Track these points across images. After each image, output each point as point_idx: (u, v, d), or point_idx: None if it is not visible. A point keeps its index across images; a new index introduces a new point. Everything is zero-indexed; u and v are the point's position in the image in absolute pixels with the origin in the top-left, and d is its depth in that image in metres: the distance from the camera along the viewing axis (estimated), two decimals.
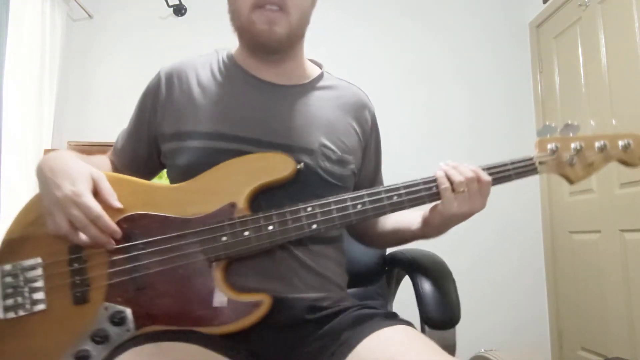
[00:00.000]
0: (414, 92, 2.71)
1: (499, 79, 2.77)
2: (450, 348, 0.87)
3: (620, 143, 0.87)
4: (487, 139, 2.68)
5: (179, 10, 2.63)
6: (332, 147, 0.87)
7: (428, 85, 2.72)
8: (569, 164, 0.87)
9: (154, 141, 0.91)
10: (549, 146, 0.88)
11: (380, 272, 1.22)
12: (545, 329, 2.61)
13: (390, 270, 1.21)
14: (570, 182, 0.89)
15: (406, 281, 1.02)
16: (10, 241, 0.77)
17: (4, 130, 1.94)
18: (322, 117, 0.89)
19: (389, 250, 1.20)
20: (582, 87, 2.35)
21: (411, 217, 0.91)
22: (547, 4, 2.63)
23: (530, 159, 0.87)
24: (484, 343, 2.16)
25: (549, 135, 0.89)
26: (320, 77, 0.96)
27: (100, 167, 0.90)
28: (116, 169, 0.97)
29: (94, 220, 0.71)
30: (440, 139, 2.66)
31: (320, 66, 0.99)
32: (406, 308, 1.08)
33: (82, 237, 0.72)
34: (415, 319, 0.89)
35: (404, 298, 1.16)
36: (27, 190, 2.01)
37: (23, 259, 0.74)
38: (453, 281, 0.93)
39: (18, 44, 2.03)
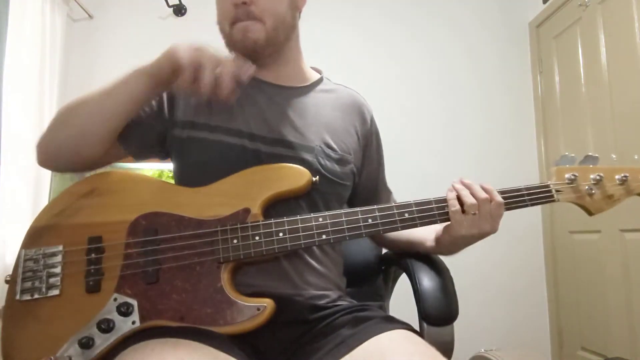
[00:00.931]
0: (413, 92, 2.71)
1: (499, 79, 2.77)
2: (448, 345, 0.87)
3: None
4: (486, 139, 2.68)
5: (179, 10, 2.64)
6: (333, 145, 0.90)
7: (427, 86, 2.73)
8: (588, 193, 0.86)
9: (167, 121, 0.91)
10: (567, 175, 0.87)
11: (376, 271, 1.23)
12: (545, 329, 2.61)
13: (387, 269, 1.22)
14: (590, 213, 0.87)
15: (404, 279, 1.03)
16: (37, 228, 0.80)
17: (4, 130, 1.95)
18: (322, 118, 0.92)
19: (385, 249, 1.20)
20: (582, 87, 2.35)
21: (426, 233, 0.93)
22: (547, 4, 2.63)
23: (547, 186, 0.87)
24: (484, 343, 2.16)
25: (567, 166, 0.88)
26: (319, 81, 1.00)
27: None
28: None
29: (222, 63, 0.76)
30: (440, 140, 2.66)
31: (320, 72, 1.03)
32: (404, 306, 1.08)
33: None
34: (414, 316, 0.90)
35: (402, 296, 1.16)
36: (26, 190, 2.01)
37: (46, 246, 0.78)
38: (450, 277, 0.94)
39: (18, 44, 2.03)
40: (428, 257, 0.99)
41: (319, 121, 0.91)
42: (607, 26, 2.18)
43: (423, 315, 0.89)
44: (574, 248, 2.42)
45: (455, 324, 0.90)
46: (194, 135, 0.87)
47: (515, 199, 0.84)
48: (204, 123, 0.87)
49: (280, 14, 0.89)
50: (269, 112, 0.89)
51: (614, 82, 2.12)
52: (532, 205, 0.85)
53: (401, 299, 1.21)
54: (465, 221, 0.80)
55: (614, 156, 0.93)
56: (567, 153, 0.90)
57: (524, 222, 2.66)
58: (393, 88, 2.68)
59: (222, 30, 0.91)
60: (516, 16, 2.84)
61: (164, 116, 0.91)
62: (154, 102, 0.91)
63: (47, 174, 2.14)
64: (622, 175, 0.86)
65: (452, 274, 0.96)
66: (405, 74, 2.72)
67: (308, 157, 0.86)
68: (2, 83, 1.95)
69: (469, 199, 0.80)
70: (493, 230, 0.81)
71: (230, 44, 0.90)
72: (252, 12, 0.86)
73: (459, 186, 0.82)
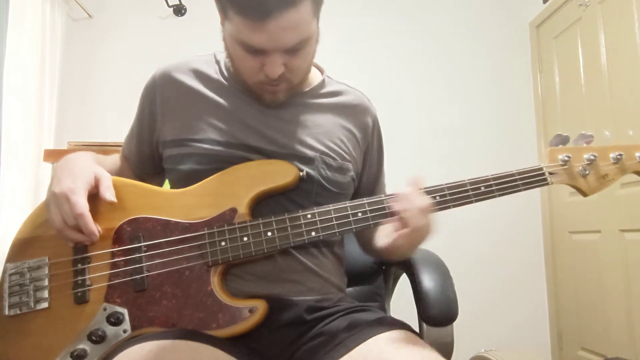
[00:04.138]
0: (413, 92, 2.71)
1: (499, 79, 2.77)
2: (448, 345, 0.87)
3: (637, 154, 0.84)
4: (487, 139, 2.68)
5: (179, 10, 2.64)
6: (332, 154, 0.87)
7: (427, 86, 2.72)
8: (582, 175, 0.84)
9: (155, 144, 0.93)
10: (560, 156, 0.84)
11: (377, 271, 1.22)
12: (545, 329, 2.61)
13: (388, 269, 1.22)
14: (584, 194, 0.85)
15: (404, 280, 1.02)
16: (20, 241, 0.79)
17: (4, 130, 1.95)
18: (322, 125, 0.89)
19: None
20: (582, 87, 2.35)
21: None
22: (547, 4, 2.63)
23: (540, 168, 0.84)
24: (484, 343, 2.16)
25: (560, 146, 0.86)
26: (321, 84, 0.95)
27: (109, 163, 0.94)
28: (128, 167, 1.00)
29: (75, 217, 0.73)
30: (439, 140, 2.66)
31: (322, 71, 0.98)
32: (404, 306, 1.08)
33: (72, 233, 0.74)
34: (414, 317, 0.89)
35: (402, 296, 1.16)
36: (26, 189, 2.01)
37: (31, 258, 0.77)
38: (450, 278, 0.93)
39: (18, 44, 2.04)
40: (428, 258, 0.98)
41: (319, 129, 0.88)
42: (607, 26, 2.18)
43: (423, 316, 0.88)
44: (574, 248, 2.42)
45: (455, 324, 0.90)
46: (184, 151, 0.85)
47: (509, 184, 0.82)
48: (193, 138, 0.85)
49: (309, 67, 0.85)
50: (267, 123, 0.86)
51: (614, 82, 2.12)
52: (526, 189, 0.83)
53: (401, 299, 1.21)
54: (407, 232, 0.75)
55: (607, 133, 0.91)
56: (560, 133, 0.87)
57: (523, 222, 2.66)
58: (393, 87, 2.68)
59: (240, 76, 0.83)
60: (516, 16, 2.83)
61: (153, 143, 0.93)
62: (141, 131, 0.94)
63: (47, 174, 2.14)
64: (617, 154, 0.84)
65: (451, 274, 0.95)
66: (405, 74, 2.72)
67: (307, 167, 0.83)
68: (2, 82, 1.95)
69: (408, 206, 0.75)
70: (427, 229, 0.76)
71: (251, 89, 0.84)
72: (282, 78, 0.79)
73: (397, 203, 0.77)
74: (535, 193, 2.69)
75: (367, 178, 0.98)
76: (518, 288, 2.60)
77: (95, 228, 0.74)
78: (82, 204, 0.73)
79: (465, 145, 2.65)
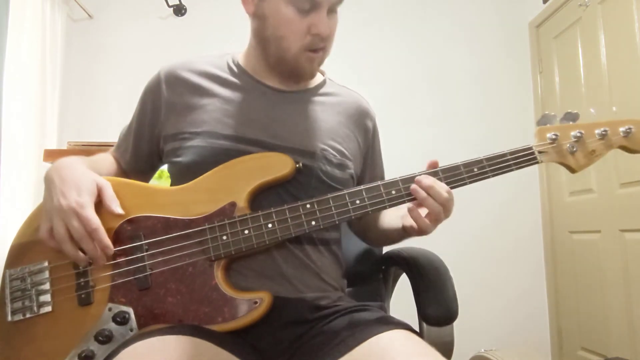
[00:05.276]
0: (413, 93, 2.71)
1: (498, 79, 2.77)
2: (448, 345, 0.87)
3: (621, 129, 0.87)
4: (486, 139, 2.68)
5: (179, 10, 2.64)
6: (333, 151, 0.89)
7: (427, 86, 2.73)
8: (570, 152, 0.86)
9: (155, 140, 0.93)
10: (548, 135, 0.87)
11: (377, 271, 1.23)
12: (545, 329, 2.61)
13: (387, 269, 1.22)
14: (572, 170, 0.87)
15: (404, 280, 1.02)
16: (18, 246, 0.79)
17: (4, 130, 1.95)
18: (324, 122, 0.91)
19: (385, 249, 1.20)
20: (582, 87, 2.35)
21: (395, 222, 0.91)
22: (547, 4, 2.63)
23: (529, 148, 0.86)
24: (484, 343, 2.16)
25: (548, 125, 0.88)
26: (322, 84, 0.98)
27: (104, 165, 0.93)
28: (120, 166, 0.99)
29: (91, 233, 0.72)
30: (439, 140, 2.66)
31: (323, 73, 1.00)
32: (404, 306, 1.08)
33: (72, 249, 0.73)
34: (413, 316, 0.90)
35: (402, 296, 1.16)
36: (26, 189, 2.01)
37: (30, 263, 0.77)
38: (450, 278, 0.93)
39: (18, 44, 2.04)
40: (428, 257, 0.98)
41: (320, 126, 0.90)
42: (607, 26, 2.18)
43: (423, 316, 0.88)
44: (574, 248, 2.42)
45: (455, 324, 0.90)
46: (185, 144, 0.85)
47: (501, 164, 0.84)
48: (195, 131, 0.85)
49: (334, 39, 0.89)
50: (270, 117, 0.88)
51: (614, 82, 2.12)
52: (517, 168, 0.85)
53: (401, 299, 1.21)
54: (432, 225, 0.80)
55: (592, 110, 0.93)
56: (547, 112, 0.90)
57: (524, 222, 2.66)
58: (392, 87, 2.68)
59: (281, 45, 0.85)
60: (516, 16, 2.84)
61: (153, 141, 0.93)
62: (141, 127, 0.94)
63: None
64: (602, 129, 0.87)
65: (452, 274, 0.95)
66: (405, 74, 2.72)
67: (309, 162, 0.84)
68: (2, 82, 1.96)
69: (435, 208, 0.78)
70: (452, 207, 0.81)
71: (287, 63, 0.87)
72: (323, 43, 0.86)
73: (423, 195, 0.78)
74: (536, 192, 2.69)
75: (371, 180, 0.98)
76: (518, 288, 2.61)
77: (109, 241, 0.74)
78: (95, 219, 0.72)
79: (465, 146, 2.65)
